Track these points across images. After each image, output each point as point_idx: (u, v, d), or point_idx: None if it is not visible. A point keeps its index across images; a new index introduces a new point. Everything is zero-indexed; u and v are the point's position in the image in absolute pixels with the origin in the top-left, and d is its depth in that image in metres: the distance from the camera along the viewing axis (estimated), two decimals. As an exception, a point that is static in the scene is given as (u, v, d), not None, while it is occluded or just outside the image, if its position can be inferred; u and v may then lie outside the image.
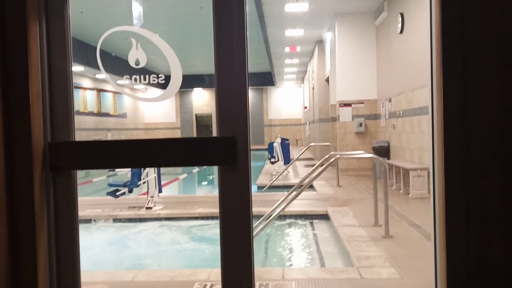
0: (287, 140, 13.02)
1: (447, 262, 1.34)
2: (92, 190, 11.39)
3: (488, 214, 1.32)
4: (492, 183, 1.32)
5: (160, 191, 7.65)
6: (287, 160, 12.44)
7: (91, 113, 20.80)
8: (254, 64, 22.81)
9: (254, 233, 4.20)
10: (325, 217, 6.77)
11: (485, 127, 1.31)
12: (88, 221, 7.00)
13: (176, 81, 1.49)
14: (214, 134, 1.45)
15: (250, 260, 1.41)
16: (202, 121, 30.94)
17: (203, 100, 30.76)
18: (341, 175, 10.35)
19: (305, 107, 23.62)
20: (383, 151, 10.32)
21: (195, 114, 30.93)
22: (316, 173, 6.02)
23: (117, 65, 1.92)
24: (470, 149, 1.32)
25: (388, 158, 10.15)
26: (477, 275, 1.33)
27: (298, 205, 7.12)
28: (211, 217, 6.90)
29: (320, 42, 15.53)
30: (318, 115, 16.32)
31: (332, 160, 6.17)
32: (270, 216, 5.13)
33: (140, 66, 1.52)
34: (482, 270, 1.32)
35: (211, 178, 13.97)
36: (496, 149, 1.31)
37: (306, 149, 13.31)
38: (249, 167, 1.41)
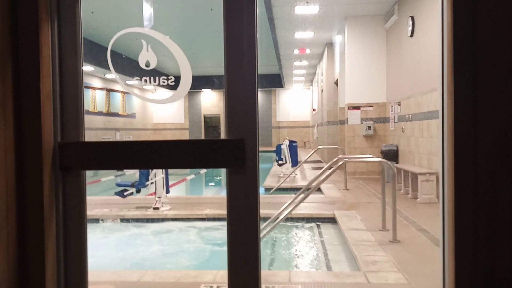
0: (295, 142, 12.98)
1: (456, 268, 1.33)
2: (100, 189, 11.44)
3: (497, 220, 1.30)
4: (501, 189, 1.30)
5: (167, 191, 7.68)
6: (295, 163, 12.41)
7: (100, 113, 20.93)
8: (263, 66, 22.83)
9: (261, 235, 4.19)
10: (332, 220, 6.74)
11: (495, 133, 1.30)
12: (96, 220, 7.04)
13: (186, 83, 1.49)
14: (222, 135, 1.45)
15: (257, 262, 1.41)
16: (210, 122, 31.01)
17: (211, 101, 30.83)
18: (349, 178, 10.30)
19: (314, 110, 23.59)
20: (392, 155, 10.27)
21: (204, 115, 31.01)
22: (324, 176, 6.00)
23: (128, 66, 1.93)
24: (480, 154, 1.31)
25: (397, 162, 10.10)
26: (485, 281, 1.31)
27: (305, 208, 7.10)
28: (218, 219, 6.91)
29: (330, 45, 15.51)
30: (327, 117, 16.29)
31: (340, 163, 6.14)
32: (277, 218, 5.11)
33: (151, 67, 1.52)
34: (490, 276, 1.31)
35: (219, 179, 13.98)
36: (506, 156, 1.30)
37: (314, 152, 13.28)
38: (257, 170, 1.41)
